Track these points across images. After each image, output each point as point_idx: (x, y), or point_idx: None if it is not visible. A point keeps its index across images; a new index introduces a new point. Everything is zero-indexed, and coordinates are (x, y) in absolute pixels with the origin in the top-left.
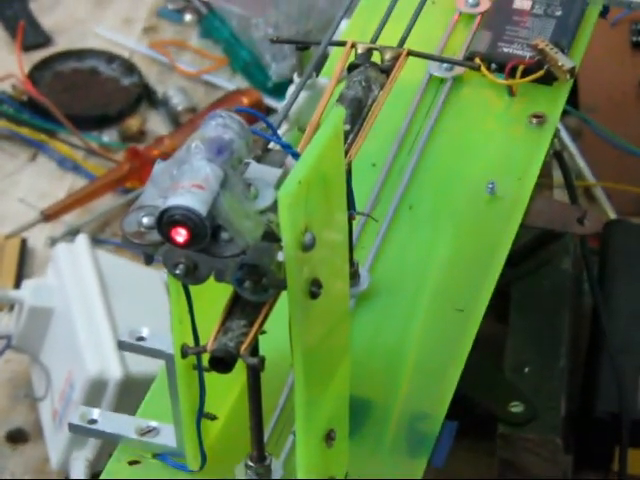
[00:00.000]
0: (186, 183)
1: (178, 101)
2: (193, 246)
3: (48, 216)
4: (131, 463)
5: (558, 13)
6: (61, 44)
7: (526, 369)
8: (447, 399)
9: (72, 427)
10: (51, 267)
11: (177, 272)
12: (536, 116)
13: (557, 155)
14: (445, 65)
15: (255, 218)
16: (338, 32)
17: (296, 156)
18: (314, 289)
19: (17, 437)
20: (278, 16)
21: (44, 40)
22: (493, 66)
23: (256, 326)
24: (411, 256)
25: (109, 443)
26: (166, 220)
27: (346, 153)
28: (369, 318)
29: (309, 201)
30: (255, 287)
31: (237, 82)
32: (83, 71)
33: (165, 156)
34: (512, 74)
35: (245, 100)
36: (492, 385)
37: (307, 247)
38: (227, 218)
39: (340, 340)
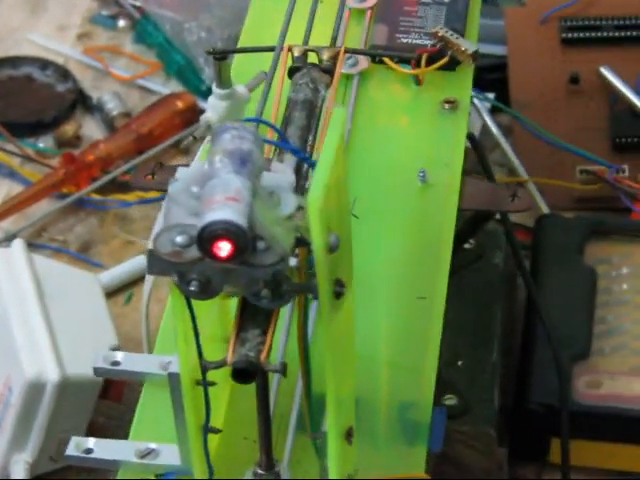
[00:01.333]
0: (220, 197)
1: (113, 106)
2: (236, 259)
3: None
4: None
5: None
6: None
7: (459, 362)
8: (431, 385)
9: (69, 458)
10: None
11: (192, 289)
12: (448, 102)
13: (470, 138)
14: (350, 61)
15: (284, 225)
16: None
17: (307, 161)
18: (338, 289)
19: None
20: (211, 20)
21: None
22: (395, 58)
23: (270, 333)
24: (361, 254)
25: (47, 445)
26: (207, 235)
27: (310, 155)
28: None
29: (330, 203)
30: (273, 295)
31: (172, 86)
32: (18, 78)
33: (101, 161)
34: (417, 64)
35: (180, 104)
36: None
37: (333, 248)
38: (263, 227)
39: (350, 338)
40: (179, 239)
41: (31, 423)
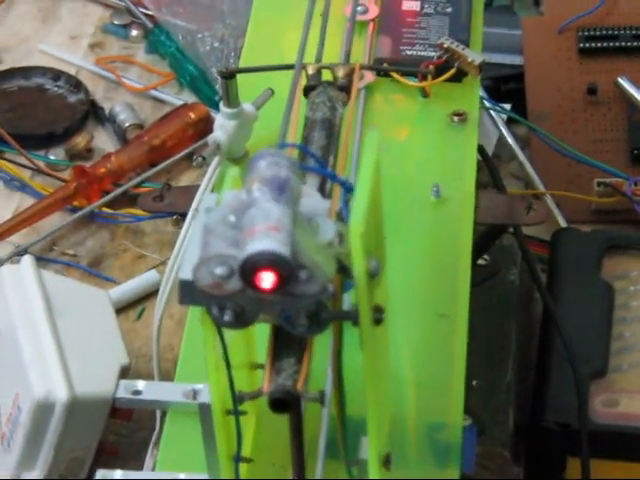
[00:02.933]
0: (261, 227)
1: (125, 117)
2: (281, 289)
3: None
4: None
5: (449, 10)
6: (7, 62)
7: (473, 382)
8: (460, 404)
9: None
10: None
11: (226, 318)
12: (457, 114)
13: (479, 149)
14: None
15: (325, 252)
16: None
17: (347, 187)
18: (378, 315)
19: None
20: (224, 30)
21: None
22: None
23: (306, 361)
24: None
25: (56, 464)
26: (250, 267)
27: (333, 177)
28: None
29: (369, 228)
30: (311, 323)
31: (184, 97)
32: (29, 89)
33: (112, 174)
34: (423, 76)
35: (193, 115)
36: None
37: (374, 274)
38: (305, 256)
39: (386, 362)
40: (219, 270)
41: (40, 442)
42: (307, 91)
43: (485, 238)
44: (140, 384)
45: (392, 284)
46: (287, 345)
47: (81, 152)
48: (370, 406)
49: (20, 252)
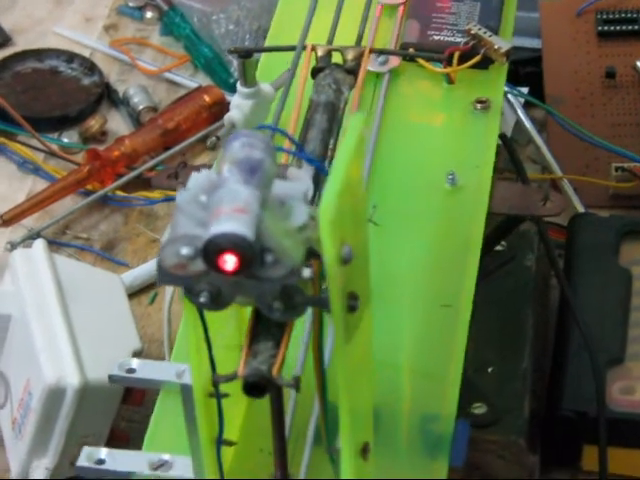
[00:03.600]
0: (227, 208)
1: (139, 100)
2: (243, 272)
3: (7, 220)
4: None
5: None
6: (20, 44)
7: (489, 369)
8: (454, 397)
9: (79, 469)
10: (8, 273)
11: (202, 300)
12: (480, 102)
13: (502, 137)
14: (380, 59)
15: (295, 236)
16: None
17: (322, 170)
18: (352, 302)
19: None
20: (239, 12)
21: (3, 40)
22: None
23: (283, 346)
24: (385, 258)
25: (67, 451)
26: (213, 248)
27: (331, 159)
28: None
29: (344, 214)
30: (285, 307)
31: (199, 79)
32: (43, 71)
33: (126, 157)
34: (448, 62)
35: (207, 98)
36: None
37: (346, 260)
38: (272, 240)
39: (367, 351)
40: (185, 251)
41: (51, 428)
42: (315, 73)
43: (502, 228)
44: (134, 362)
45: (398, 270)
46: (266, 329)
47: (95, 135)
48: (342, 395)
49: (33, 236)
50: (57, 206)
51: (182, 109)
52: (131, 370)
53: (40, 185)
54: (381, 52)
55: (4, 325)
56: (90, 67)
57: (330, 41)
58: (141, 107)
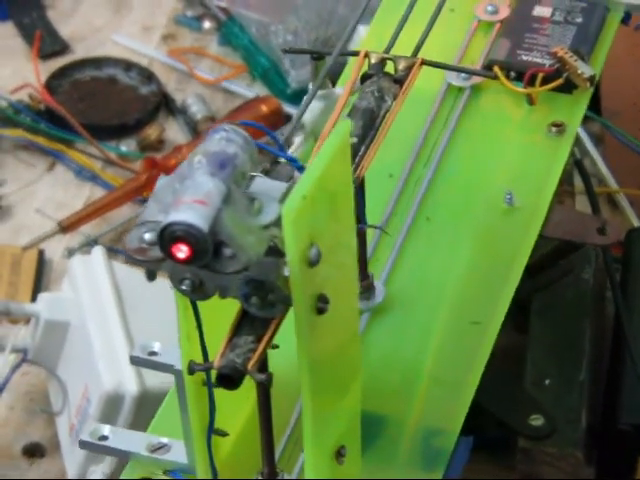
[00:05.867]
0: (188, 198)
1: (197, 109)
2: (194, 262)
3: (65, 227)
4: None
5: (578, 20)
6: (79, 52)
7: (546, 381)
8: (462, 414)
9: (83, 444)
10: (67, 280)
11: (183, 288)
12: (555, 125)
13: (578, 164)
14: (463, 74)
15: (258, 233)
16: (355, 40)
17: (302, 170)
18: (321, 305)
19: (34, 451)
20: (297, 22)
21: (62, 48)
22: (512, 74)
23: (264, 342)
24: (427, 269)
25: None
26: (167, 236)
27: (358, 165)
28: (384, 332)
29: (315, 215)
30: (262, 303)
31: (256, 89)
32: (101, 79)
33: None
34: (531, 82)
35: (264, 108)
36: (512, 398)
37: (313, 262)
38: (229, 234)
39: (351, 357)
40: (147, 236)
41: None
42: (364, 79)
43: (556, 252)
44: (156, 346)
45: (438, 280)
46: (250, 323)
47: (152, 144)
48: (304, 396)
49: (91, 243)
50: (114, 214)
51: (239, 119)
52: (153, 353)
53: (98, 193)
54: (432, 65)
55: (63, 332)
56: (148, 76)
57: (388, 49)
58: (199, 116)
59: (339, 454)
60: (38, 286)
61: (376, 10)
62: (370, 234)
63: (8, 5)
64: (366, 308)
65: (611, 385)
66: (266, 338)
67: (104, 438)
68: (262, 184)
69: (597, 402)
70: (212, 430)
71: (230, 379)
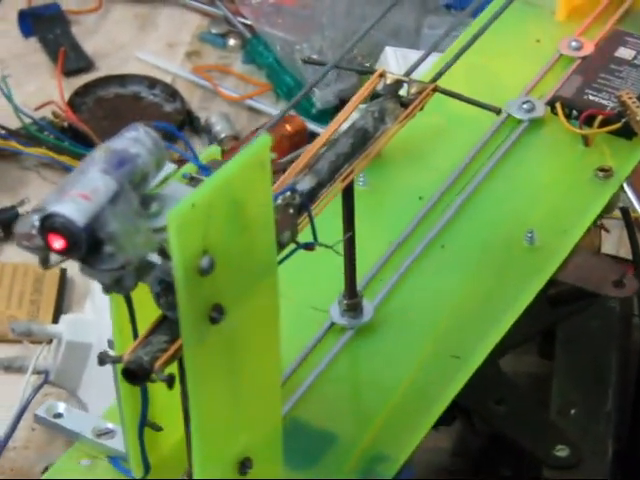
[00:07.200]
0: (74, 192)
1: (220, 128)
2: (70, 255)
3: None
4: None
5: None
6: (103, 69)
7: (572, 411)
8: (413, 445)
9: (37, 418)
10: (89, 301)
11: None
12: (603, 170)
13: (623, 212)
14: (525, 106)
15: (147, 235)
16: (382, 60)
17: (206, 172)
18: (214, 314)
19: None
20: (322, 41)
21: (86, 65)
22: (574, 113)
23: (176, 345)
24: (426, 295)
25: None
26: (45, 226)
27: (345, 177)
28: (363, 352)
29: (209, 224)
30: (169, 304)
31: (281, 108)
32: (125, 97)
33: None
34: (590, 123)
35: (288, 127)
36: (537, 428)
37: (203, 271)
38: (110, 232)
39: (265, 370)
40: (37, 223)
41: None
42: (372, 98)
43: (572, 295)
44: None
45: (432, 305)
46: (169, 324)
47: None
48: (191, 405)
49: None
50: None
51: None
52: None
53: None
54: (445, 93)
55: (85, 354)
56: (172, 93)
57: (408, 73)
58: (223, 135)
59: (243, 465)
60: (60, 305)
61: (400, 29)
62: (381, 251)
63: (33, 21)
64: (349, 325)
65: (637, 414)
66: (180, 341)
67: (59, 415)
68: (174, 189)
69: (623, 432)
70: (144, 423)
71: (134, 375)
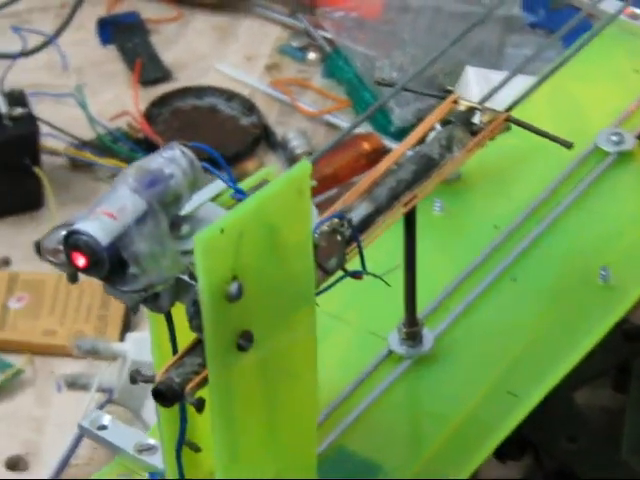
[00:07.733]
0: (101, 209)
1: (297, 144)
2: (92, 273)
3: None
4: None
5: None
6: (181, 80)
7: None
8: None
9: (81, 429)
10: None
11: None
12: None
13: None
14: (614, 138)
15: (173, 258)
16: (463, 81)
17: (240, 194)
18: (242, 342)
19: None
20: (403, 58)
21: (163, 75)
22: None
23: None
24: (491, 329)
25: None
26: (69, 243)
27: (406, 204)
28: (420, 383)
29: (242, 250)
30: (199, 327)
31: (359, 125)
32: (202, 109)
33: None
34: None
35: (366, 145)
36: (608, 467)
37: (232, 297)
38: (134, 252)
39: (296, 400)
40: (62, 239)
41: None
42: (443, 125)
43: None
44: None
45: (496, 343)
46: (203, 346)
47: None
48: (216, 431)
49: None
50: None
51: (340, 156)
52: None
53: None
54: (517, 123)
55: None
56: (250, 107)
57: (488, 97)
58: (299, 151)
59: None
60: (127, 321)
61: (483, 47)
62: (449, 279)
63: (112, 29)
64: (407, 355)
65: None
66: None
67: (103, 428)
68: (209, 211)
69: None
70: (182, 442)
71: (164, 396)
